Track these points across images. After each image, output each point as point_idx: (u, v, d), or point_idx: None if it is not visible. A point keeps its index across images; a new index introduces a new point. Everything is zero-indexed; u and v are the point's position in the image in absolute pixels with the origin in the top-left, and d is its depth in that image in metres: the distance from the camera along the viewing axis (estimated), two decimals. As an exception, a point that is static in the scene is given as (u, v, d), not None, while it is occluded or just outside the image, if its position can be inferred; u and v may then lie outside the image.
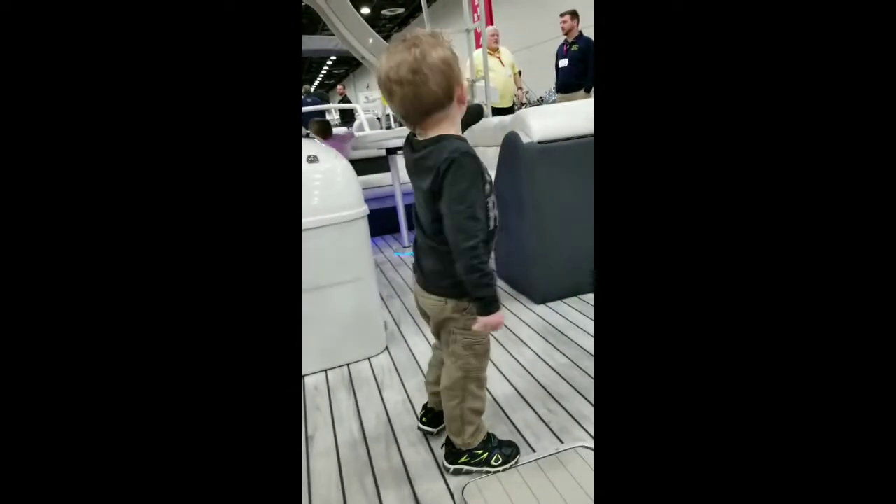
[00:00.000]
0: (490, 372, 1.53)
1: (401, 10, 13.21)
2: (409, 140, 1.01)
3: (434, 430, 1.26)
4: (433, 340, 1.20)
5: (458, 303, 1.02)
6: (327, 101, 10.48)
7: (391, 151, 2.82)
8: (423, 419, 1.28)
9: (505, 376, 1.51)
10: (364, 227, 1.65)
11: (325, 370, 1.66)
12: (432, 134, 0.94)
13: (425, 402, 1.30)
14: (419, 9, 12.65)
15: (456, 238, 0.91)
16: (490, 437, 1.16)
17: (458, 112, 0.95)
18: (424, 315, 1.12)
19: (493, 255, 1.01)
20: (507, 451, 1.15)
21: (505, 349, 1.66)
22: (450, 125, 0.95)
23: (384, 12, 13.10)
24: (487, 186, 0.95)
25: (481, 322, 0.96)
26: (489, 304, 0.94)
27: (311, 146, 1.66)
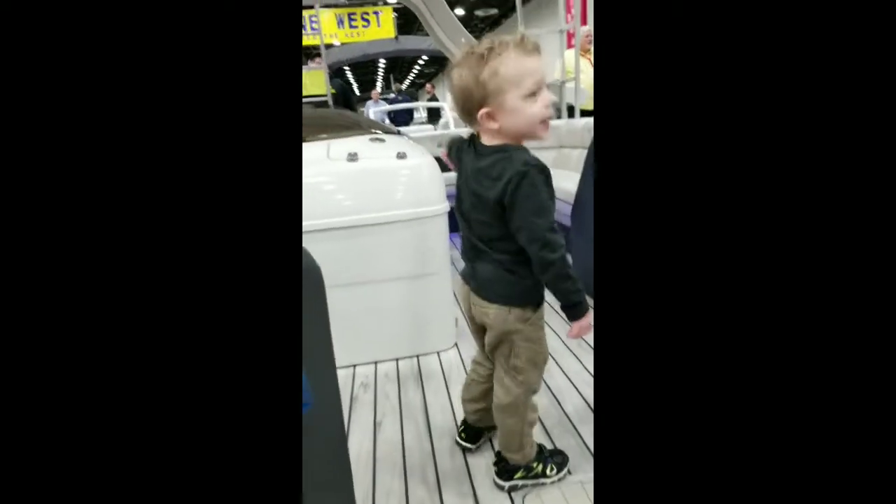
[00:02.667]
0: (560, 382, 1.51)
1: (494, 11, 13.21)
2: (473, 143, 0.96)
3: (473, 447, 1.23)
4: (476, 355, 1.18)
5: (522, 312, 0.98)
6: (416, 100, 10.73)
7: (475, 151, 2.83)
8: (462, 434, 1.25)
9: (575, 387, 1.46)
10: (444, 223, 1.68)
11: (397, 359, 1.71)
12: (493, 141, 0.91)
13: (463, 417, 1.26)
14: (512, 9, 12.54)
15: (541, 252, 0.88)
16: (541, 447, 1.14)
17: (515, 126, 0.88)
18: (475, 324, 1.08)
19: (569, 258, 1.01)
20: (558, 460, 1.13)
21: (576, 358, 1.62)
22: (500, 136, 0.90)
23: (477, 13, 13.18)
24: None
25: (576, 327, 0.95)
26: (584, 308, 0.94)
27: (402, 144, 1.71)
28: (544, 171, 0.87)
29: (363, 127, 1.98)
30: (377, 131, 1.94)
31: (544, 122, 0.88)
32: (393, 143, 1.74)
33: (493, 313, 0.99)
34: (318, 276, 0.74)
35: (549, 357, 1.57)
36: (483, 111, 0.87)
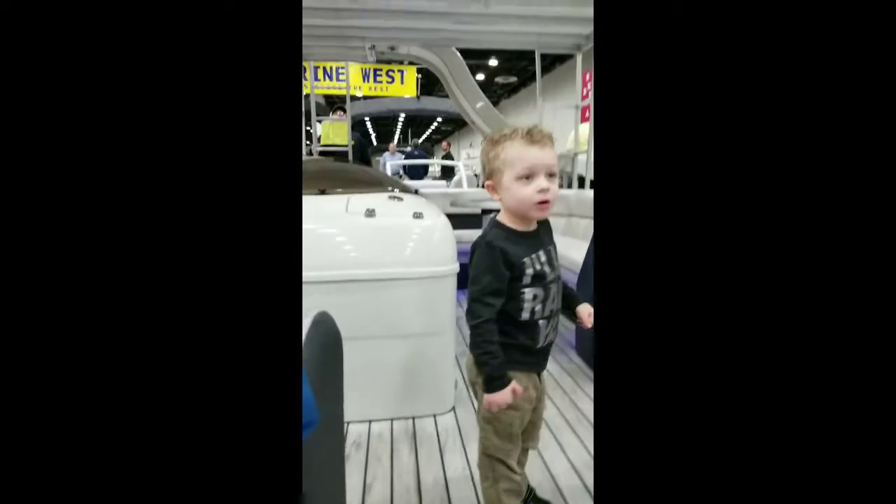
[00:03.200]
0: (555, 457, 1.46)
1: (513, 79, 13.84)
2: None
3: None
4: None
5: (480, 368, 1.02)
6: (432, 155, 11.05)
7: (486, 212, 2.90)
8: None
9: (573, 465, 1.42)
10: (452, 283, 1.69)
11: (392, 419, 1.67)
12: (503, 213, 1.04)
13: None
14: (531, 78, 13.06)
15: (466, 315, 1.00)
16: None
17: (509, 203, 0.98)
18: None
19: (558, 332, 1.05)
20: None
21: (574, 433, 1.58)
22: (504, 211, 1.02)
23: (497, 79, 13.80)
24: (528, 278, 0.97)
25: (486, 399, 0.97)
26: (489, 381, 0.97)
27: (419, 204, 1.76)
28: (492, 247, 0.96)
29: (383, 184, 2.04)
30: (396, 190, 2.00)
31: (539, 204, 0.95)
32: (410, 203, 1.79)
33: (467, 358, 1.07)
34: (337, 339, 0.75)
35: (549, 431, 1.55)
36: (487, 183, 1.01)
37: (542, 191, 0.93)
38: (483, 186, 1.05)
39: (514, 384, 0.97)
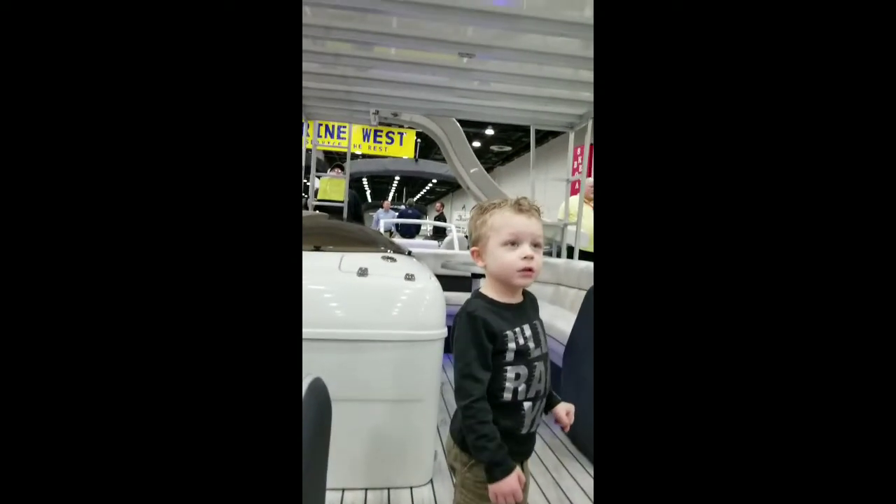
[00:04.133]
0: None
1: (508, 148, 14.40)
2: None
3: None
4: None
5: (460, 452, 0.97)
6: (425, 214, 11.25)
7: (476, 276, 2.92)
8: None
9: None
10: (438, 348, 1.68)
11: (366, 489, 1.60)
12: (488, 280, 1.03)
13: None
14: (525, 149, 13.52)
15: (455, 395, 0.94)
16: None
17: (492, 269, 0.98)
18: None
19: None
20: None
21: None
22: (487, 281, 1.02)
23: (493, 147, 14.35)
24: (510, 354, 0.94)
25: (491, 491, 0.88)
26: (491, 470, 0.89)
27: (412, 265, 1.78)
28: (473, 318, 0.94)
29: (378, 244, 2.07)
30: (390, 250, 2.03)
31: (523, 271, 0.95)
32: (403, 264, 1.81)
33: (447, 438, 1.03)
34: (329, 407, 0.74)
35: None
36: (472, 249, 1.02)
37: (527, 258, 0.94)
38: (470, 250, 1.05)
39: (518, 471, 0.89)
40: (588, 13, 2.00)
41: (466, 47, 2.32)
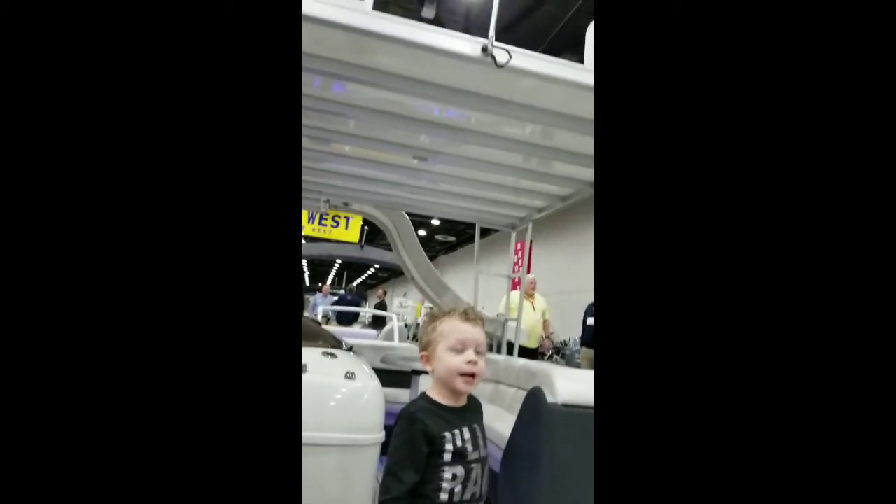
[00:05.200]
0: None
1: (452, 238, 14.88)
2: None
3: None
4: None
5: None
6: (365, 300, 11.10)
7: (417, 373, 2.86)
8: None
9: None
10: (375, 454, 1.60)
11: None
12: (434, 385, 1.08)
13: None
14: (468, 240, 13.99)
15: (379, 489, 0.99)
16: None
17: (439, 372, 1.05)
18: None
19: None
20: None
21: None
22: (433, 384, 1.08)
23: (437, 236, 14.78)
24: (448, 454, 0.98)
25: None
26: None
27: (353, 363, 1.73)
28: (413, 420, 1.00)
29: (319, 338, 2.01)
30: (332, 346, 1.97)
31: (465, 377, 1.03)
32: (344, 361, 1.76)
33: None
34: None
35: None
36: (422, 354, 1.10)
37: (471, 363, 1.03)
38: (420, 354, 1.12)
39: None
40: (529, 130, 2.21)
41: (419, 151, 2.48)
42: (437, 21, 5.48)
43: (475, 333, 1.06)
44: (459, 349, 1.03)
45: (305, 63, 1.57)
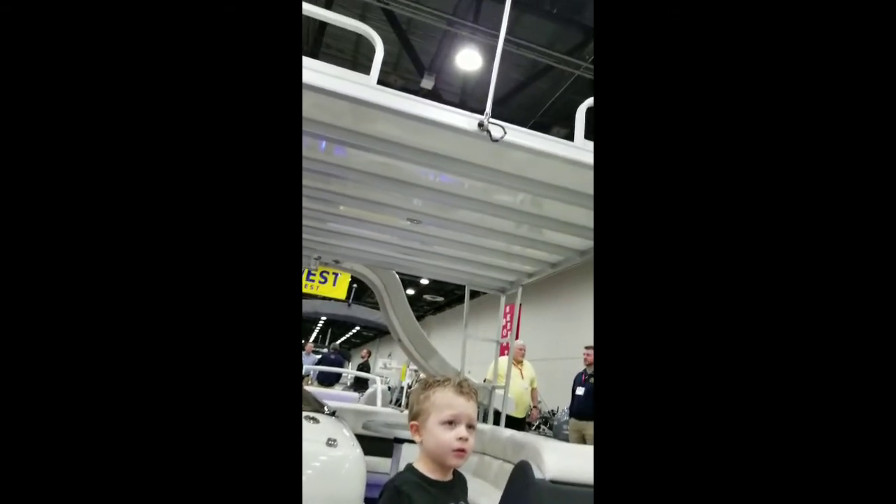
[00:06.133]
0: None
1: (441, 299, 14.82)
2: None
3: None
4: None
5: None
6: (348, 360, 10.84)
7: (399, 441, 2.75)
8: None
9: None
10: (351, 530, 1.51)
11: None
12: (421, 456, 1.05)
13: None
14: (456, 300, 13.92)
15: None
16: None
17: (428, 445, 1.03)
18: None
19: None
20: None
21: None
22: (420, 456, 1.05)
23: (426, 296, 14.72)
24: None
25: None
26: None
27: (335, 429, 1.68)
28: (399, 493, 0.97)
29: (303, 402, 1.95)
30: (314, 411, 1.91)
31: (457, 451, 1.01)
32: (327, 427, 1.70)
33: None
34: None
35: None
36: (412, 423, 1.06)
37: (462, 439, 1.00)
38: (409, 423, 1.09)
39: None
40: (520, 198, 2.28)
41: (413, 214, 2.53)
42: (435, 91, 5.78)
43: (468, 408, 1.04)
44: (451, 423, 1.02)
45: (309, 128, 1.64)
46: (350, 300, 9.92)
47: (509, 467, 2.04)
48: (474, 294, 3.94)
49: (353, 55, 6.19)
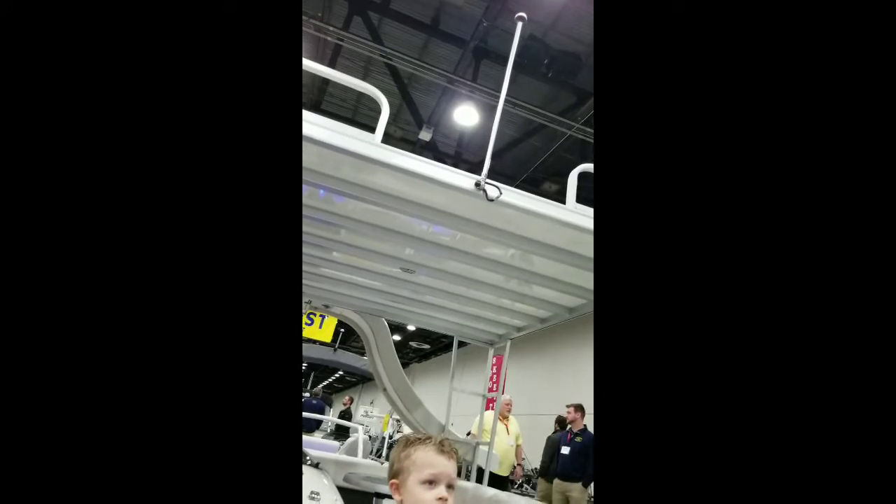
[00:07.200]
0: None
1: (426, 346, 14.62)
2: None
3: None
4: None
5: None
6: (331, 405, 10.53)
7: (381, 496, 2.65)
8: None
9: None
10: None
11: None
12: None
13: None
14: (442, 349, 13.73)
15: None
16: None
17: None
18: None
19: None
20: None
21: None
22: None
23: (412, 343, 14.52)
24: None
25: None
26: None
27: (318, 482, 1.63)
28: None
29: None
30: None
31: None
32: (309, 479, 1.65)
33: None
34: None
35: None
36: (391, 482, 1.06)
37: (441, 499, 1.00)
38: (389, 482, 1.07)
39: None
40: (511, 253, 2.32)
41: (405, 263, 2.55)
42: (433, 142, 5.96)
43: (449, 467, 1.05)
44: (432, 483, 1.02)
45: (310, 178, 1.68)
46: (336, 344, 9.74)
47: (492, 531, 1.97)
48: (461, 344, 3.91)
49: (355, 105, 6.40)
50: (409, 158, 1.55)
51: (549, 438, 5.25)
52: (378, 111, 1.66)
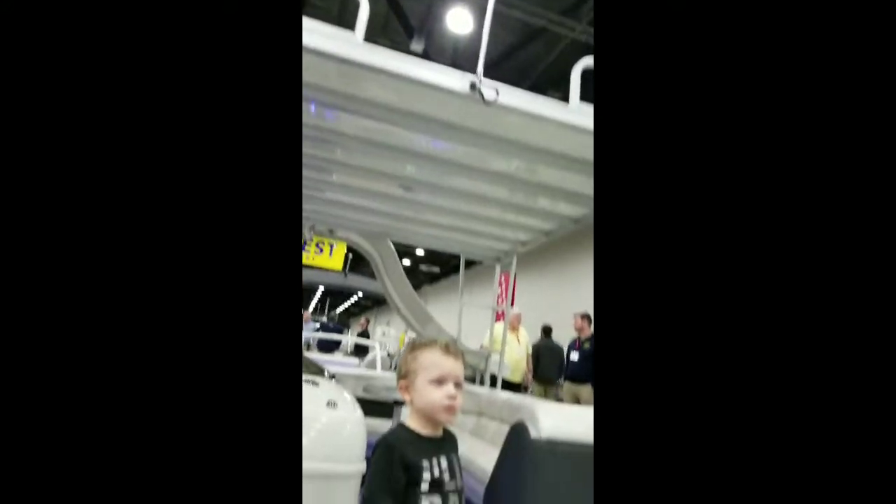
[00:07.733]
0: None
1: (436, 269, 14.88)
2: None
3: None
4: None
5: None
6: (347, 328, 10.95)
7: (399, 403, 2.81)
8: None
9: None
10: (355, 485, 1.55)
11: None
12: (412, 414, 1.10)
13: None
14: (452, 270, 13.97)
15: None
16: None
17: (418, 403, 1.07)
18: None
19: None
20: None
21: None
22: (411, 414, 1.09)
23: (422, 267, 14.77)
24: (425, 484, 0.99)
25: None
26: None
27: (335, 392, 1.71)
28: (391, 448, 1.01)
29: (303, 367, 1.98)
30: (314, 374, 1.94)
31: (447, 408, 1.05)
32: (326, 390, 1.73)
33: None
34: None
35: None
36: (400, 383, 1.11)
37: (451, 397, 1.05)
38: (398, 381, 1.13)
39: None
40: (514, 165, 2.26)
41: (405, 181, 2.51)
42: (426, 55, 5.64)
43: (455, 367, 1.08)
44: (439, 382, 1.05)
45: (297, 92, 1.60)
46: (346, 271, 9.93)
47: (506, 428, 2.09)
48: (469, 264, 3.95)
49: (339, 13, 5.98)
50: (394, 59, 1.45)
51: (534, 346, 5.52)
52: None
